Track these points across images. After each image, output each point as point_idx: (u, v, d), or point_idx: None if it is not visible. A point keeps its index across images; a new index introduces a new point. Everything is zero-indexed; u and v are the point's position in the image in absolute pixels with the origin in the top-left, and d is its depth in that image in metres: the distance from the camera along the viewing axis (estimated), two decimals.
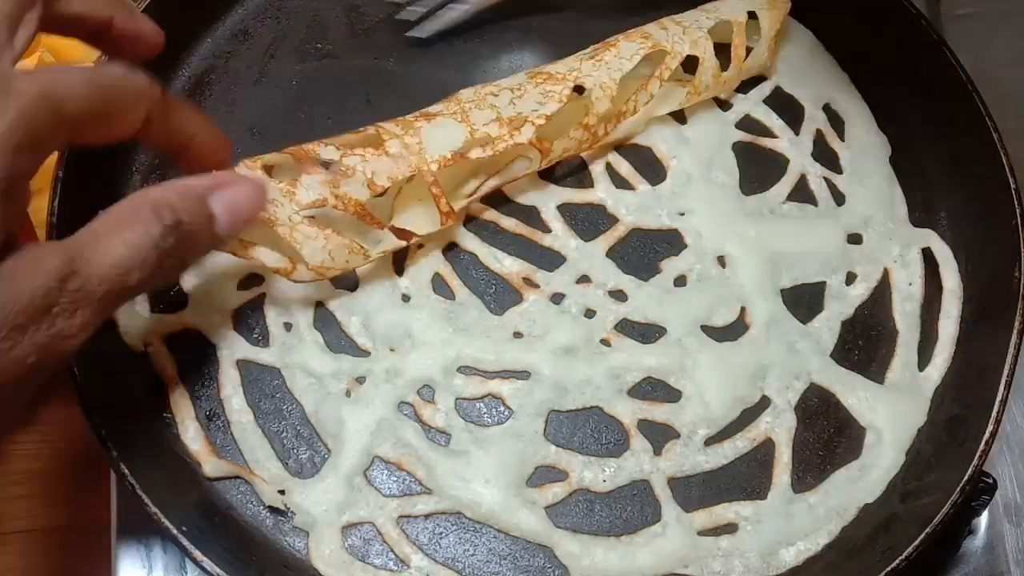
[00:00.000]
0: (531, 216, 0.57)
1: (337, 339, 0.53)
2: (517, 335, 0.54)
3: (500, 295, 0.55)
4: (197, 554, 0.45)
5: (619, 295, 0.55)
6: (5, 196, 0.36)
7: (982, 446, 0.50)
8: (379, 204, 0.52)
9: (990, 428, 0.50)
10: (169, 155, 0.47)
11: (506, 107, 0.54)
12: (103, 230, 0.39)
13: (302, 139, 0.57)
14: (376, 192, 0.51)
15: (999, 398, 0.51)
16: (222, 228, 0.43)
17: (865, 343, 0.56)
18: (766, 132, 0.60)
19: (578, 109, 0.55)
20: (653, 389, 0.53)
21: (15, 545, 0.41)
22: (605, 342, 0.54)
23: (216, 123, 0.56)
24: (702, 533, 0.51)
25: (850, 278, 0.57)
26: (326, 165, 0.50)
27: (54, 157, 0.52)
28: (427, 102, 0.57)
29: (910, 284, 0.57)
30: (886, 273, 0.57)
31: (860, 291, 0.57)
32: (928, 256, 0.57)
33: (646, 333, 0.54)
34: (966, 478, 0.49)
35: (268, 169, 0.50)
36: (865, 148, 0.60)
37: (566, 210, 0.57)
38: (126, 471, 0.46)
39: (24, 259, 0.36)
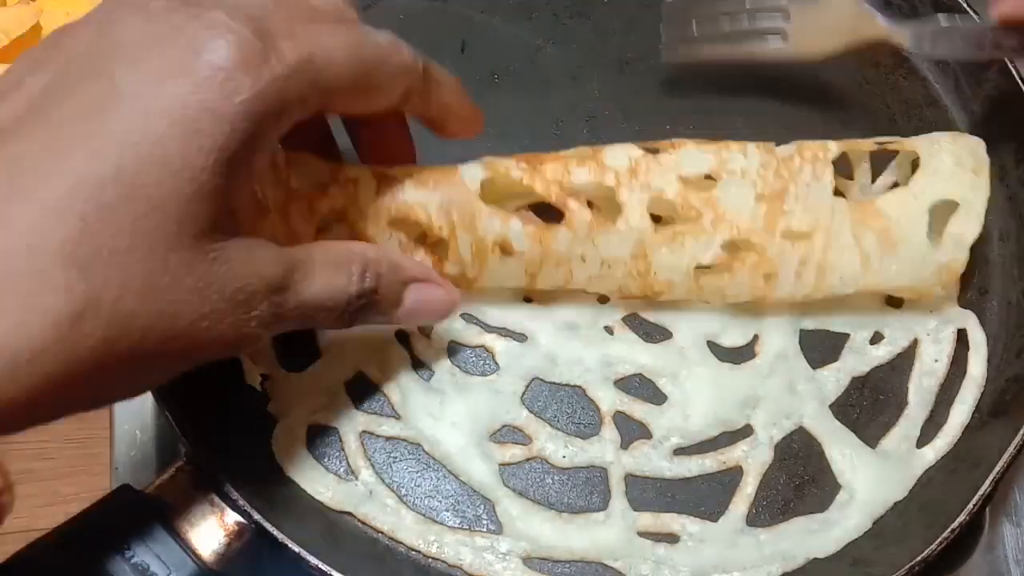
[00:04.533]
0: None
1: None
2: (527, 299, 0.55)
3: None
4: (165, 404, 0.49)
5: None
6: (232, 165, 0.35)
7: (946, 533, 0.48)
8: None
9: (960, 519, 0.48)
10: (422, 124, 0.48)
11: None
12: (316, 262, 0.40)
13: None
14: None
15: (981, 492, 0.49)
16: (399, 316, 0.45)
17: (870, 404, 0.54)
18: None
19: None
20: (640, 386, 0.54)
21: (15, 545, 0.44)
22: (609, 329, 0.55)
23: None
24: (641, 534, 0.51)
25: (876, 338, 0.55)
26: None
27: None
28: (513, 62, 0.60)
29: (936, 361, 0.55)
30: (915, 343, 0.55)
31: (882, 353, 0.55)
32: (961, 338, 0.55)
33: (652, 332, 0.55)
34: (916, 561, 0.48)
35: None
36: None
37: None
38: None
39: (249, 251, 0.37)
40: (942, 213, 0.52)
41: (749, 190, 0.51)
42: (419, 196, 0.49)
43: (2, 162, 0.34)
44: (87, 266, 0.33)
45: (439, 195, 0.49)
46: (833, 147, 0.53)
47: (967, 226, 0.52)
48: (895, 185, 0.57)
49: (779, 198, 0.51)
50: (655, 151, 0.51)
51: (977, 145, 0.53)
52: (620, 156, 0.51)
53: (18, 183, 0.33)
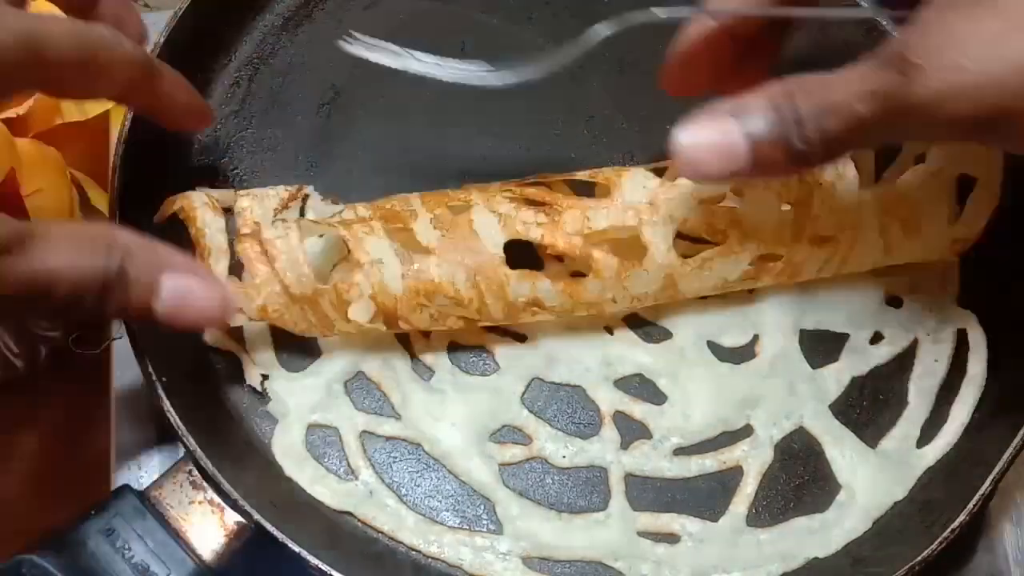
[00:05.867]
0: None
1: None
2: None
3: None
4: (166, 403, 0.49)
5: None
6: None
7: (946, 533, 0.48)
8: None
9: (961, 518, 0.49)
10: (152, 116, 0.49)
11: None
12: (54, 235, 0.39)
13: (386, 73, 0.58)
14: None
15: (981, 492, 0.49)
16: (159, 311, 0.42)
17: (870, 404, 0.54)
18: None
19: None
20: (640, 386, 0.54)
21: (15, 545, 0.45)
22: (609, 329, 0.55)
23: (323, 37, 0.60)
24: (642, 534, 0.51)
25: (876, 338, 0.55)
26: None
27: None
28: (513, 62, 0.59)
29: (935, 360, 0.55)
30: (915, 343, 0.55)
31: (882, 353, 0.55)
32: (961, 338, 0.55)
33: (651, 332, 0.55)
34: (919, 559, 0.48)
35: None
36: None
37: None
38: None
39: None
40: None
41: (774, 200, 0.51)
42: (444, 271, 0.49)
43: None
44: None
45: (464, 268, 0.49)
46: None
47: (985, 199, 0.53)
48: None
49: (806, 204, 0.51)
50: (663, 170, 0.51)
51: None
52: (636, 189, 0.50)
53: None
